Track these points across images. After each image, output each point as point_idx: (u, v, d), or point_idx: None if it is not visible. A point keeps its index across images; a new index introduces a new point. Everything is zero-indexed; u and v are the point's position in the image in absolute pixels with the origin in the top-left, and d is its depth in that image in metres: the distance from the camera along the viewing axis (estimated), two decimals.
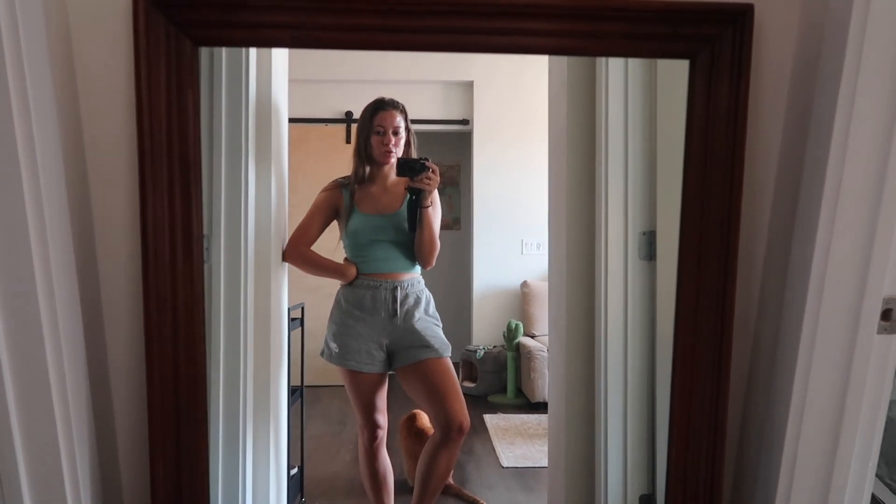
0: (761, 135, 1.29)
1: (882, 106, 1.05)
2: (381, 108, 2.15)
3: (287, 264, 2.27)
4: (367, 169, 2.17)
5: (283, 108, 2.28)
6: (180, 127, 1.17)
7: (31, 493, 1.10)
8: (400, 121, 2.14)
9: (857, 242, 1.10)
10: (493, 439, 3.93)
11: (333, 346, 2.18)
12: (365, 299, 2.14)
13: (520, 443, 3.89)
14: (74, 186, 1.21)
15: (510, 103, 5.30)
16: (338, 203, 2.21)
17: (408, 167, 2.06)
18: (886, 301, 1.13)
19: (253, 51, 1.87)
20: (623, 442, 1.80)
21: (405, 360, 2.14)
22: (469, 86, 5.40)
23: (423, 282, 2.23)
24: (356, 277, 2.16)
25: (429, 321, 2.18)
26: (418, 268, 2.21)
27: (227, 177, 1.88)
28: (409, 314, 2.15)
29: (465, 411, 2.15)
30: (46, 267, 1.06)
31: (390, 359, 2.18)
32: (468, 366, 5.08)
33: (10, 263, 1.02)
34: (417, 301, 2.17)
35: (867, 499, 1.23)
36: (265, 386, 2.13)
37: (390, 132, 2.12)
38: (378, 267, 2.15)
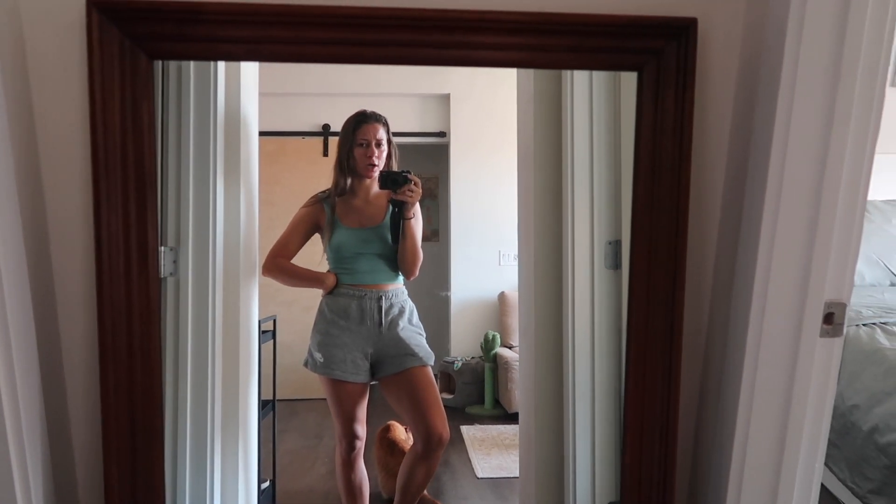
0: (709, 144, 1.32)
1: (818, 115, 1.09)
2: (363, 121, 2.16)
3: (258, 277, 2.27)
4: (349, 181, 2.18)
5: (252, 120, 2.29)
6: (135, 139, 1.17)
7: None
8: (383, 134, 2.16)
9: (797, 249, 1.14)
10: (469, 450, 3.93)
11: (318, 355, 2.19)
12: (350, 309, 2.15)
13: (496, 453, 3.89)
14: (29, 199, 1.21)
15: (486, 116, 5.34)
16: (318, 218, 2.23)
17: (390, 180, 2.09)
18: (828, 305, 1.16)
19: (221, 63, 1.88)
20: (591, 450, 1.82)
21: (389, 369, 2.16)
22: (446, 98, 5.43)
23: (406, 292, 2.25)
24: (340, 287, 2.17)
25: (413, 330, 2.20)
26: (401, 278, 2.22)
27: (195, 189, 1.88)
28: (394, 323, 2.16)
29: (446, 423, 2.18)
30: None
31: (374, 368, 2.19)
32: (446, 377, 5.08)
33: None
34: (402, 311, 2.19)
35: (815, 497, 1.25)
36: (234, 398, 2.12)
37: (373, 145, 2.13)
38: (363, 278, 2.16)
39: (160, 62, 1.32)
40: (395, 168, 2.21)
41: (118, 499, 1.20)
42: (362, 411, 2.23)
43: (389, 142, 2.19)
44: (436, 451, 2.17)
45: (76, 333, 1.28)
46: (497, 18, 1.16)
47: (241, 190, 2.11)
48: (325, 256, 2.27)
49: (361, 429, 2.24)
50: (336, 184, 2.20)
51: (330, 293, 2.21)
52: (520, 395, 2.18)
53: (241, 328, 2.15)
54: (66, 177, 1.24)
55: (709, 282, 1.38)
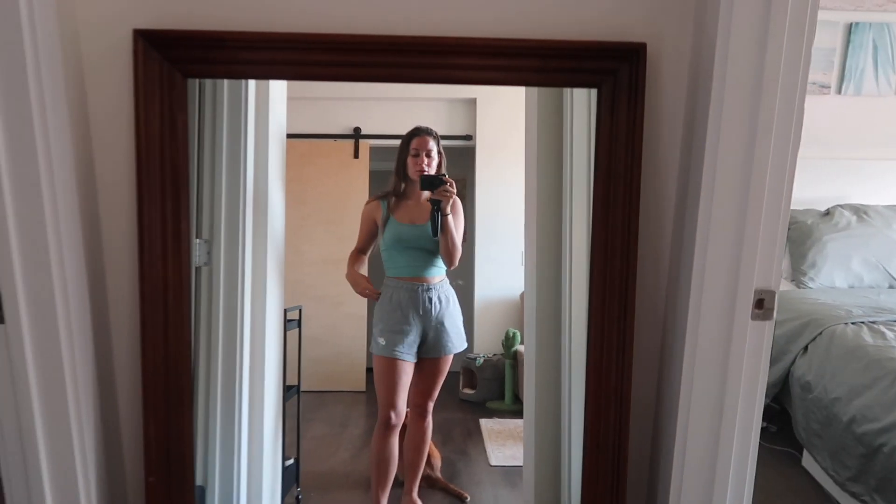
0: (662, 151, 1.51)
1: (743, 125, 1.26)
2: (416, 134, 2.54)
3: (284, 269, 2.55)
4: (404, 185, 2.55)
5: (281, 123, 2.52)
6: (171, 145, 1.41)
7: (46, 448, 1.34)
8: (432, 144, 2.53)
9: (729, 244, 1.31)
10: (485, 441, 4.08)
11: (381, 339, 2.53)
12: (403, 300, 2.51)
13: (510, 444, 4.03)
14: (85, 192, 1.46)
15: (511, 120, 5.46)
16: (375, 214, 2.60)
17: (428, 182, 2.43)
18: (758, 292, 1.34)
19: None
20: (583, 437, 1.97)
21: (430, 352, 2.56)
22: (472, 103, 5.57)
23: (448, 282, 2.62)
24: (395, 280, 2.54)
25: (455, 317, 2.60)
26: (444, 271, 2.59)
27: (227, 187, 2.11)
28: (440, 312, 2.53)
29: (433, 402, 2.69)
30: (60, 261, 1.31)
31: (419, 350, 2.56)
32: (468, 373, 5.22)
33: (31, 257, 1.27)
34: (447, 300, 2.57)
35: (752, 462, 1.42)
36: (260, 380, 2.34)
37: (423, 154, 2.50)
38: (413, 272, 2.52)
39: (194, 80, 1.56)
40: (444, 173, 2.56)
41: (155, 446, 1.44)
42: (405, 390, 2.56)
43: (439, 152, 2.56)
44: (424, 416, 2.66)
45: (122, 306, 1.55)
46: (473, 44, 1.37)
47: (270, 188, 2.34)
48: (381, 249, 2.61)
49: (402, 405, 2.55)
50: (394, 187, 2.57)
51: (386, 287, 2.57)
52: (524, 389, 2.36)
53: (269, 315, 2.37)
54: (115, 174, 1.50)
55: (665, 272, 1.57)
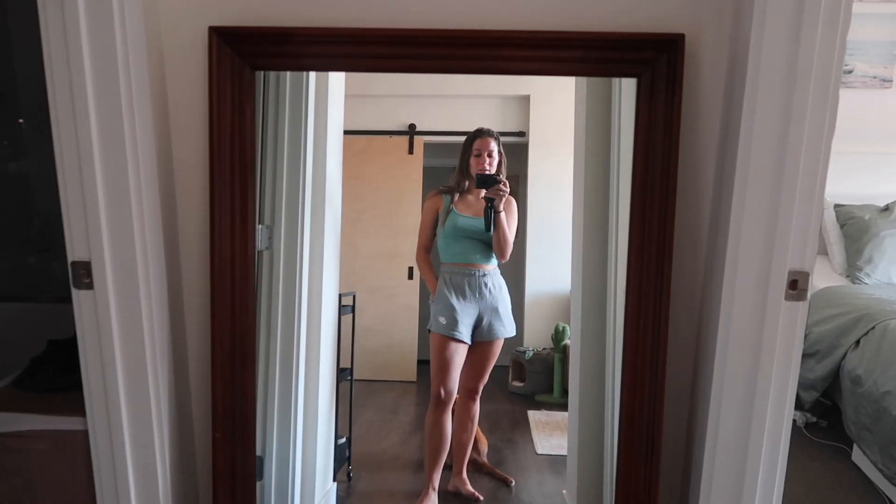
0: (700, 139, 1.56)
1: (776, 113, 1.31)
2: (479, 135, 2.73)
3: (339, 256, 2.71)
4: (467, 183, 2.74)
5: (337, 119, 2.65)
6: (240, 133, 1.55)
7: (126, 402, 1.50)
8: (493, 145, 2.71)
9: (763, 224, 1.36)
10: (532, 431, 4.13)
11: (442, 319, 2.71)
12: (462, 284, 2.69)
13: (557, 435, 4.07)
14: (163, 175, 1.62)
15: (564, 117, 5.44)
16: (438, 205, 2.79)
17: (483, 180, 2.61)
18: (792, 273, 1.38)
19: (312, 73, 2.24)
20: (619, 414, 2.02)
21: (483, 336, 2.74)
22: (526, 100, 5.60)
23: (499, 272, 2.79)
24: (453, 266, 2.73)
25: (507, 303, 2.78)
26: (496, 262, 2.76)
27: (287, 177, 2.25)
28: (494, 297, 2.72)
29: (482, 385, 2.84)
30: (143, 236, 1.46)
31: (475, 332, 2.73)
32: (518, 366, 5.27)
33: (118, 232, 1.43)
34: (500, 287, 2.75)
35: (784, 443, 1.46)
36: (316, 360, 2.47)
37: (485, 154, 2.69)
38: (471, 259, 2.71)
39: (261, 73, 1.70)
40: (504, 172, 2.74)
41: (221, 405, 1.58)
42: (458, 368, 2.72)
43: (500, 152, 2.73)
44: (474, 396, 2.82)
45: (195, 276, 1.71)
46: (519, 36, 1.46)
47: (328, 178, 2.48)
48: (439, 237, 2.78)
49: (453, 384, 2.70)
50: (458, 183, 2.76)
51: (444, 272, 2.75)
52: (570, 382, 2.43)
53: (325, 299, 2.50)
54: (190, 158, 1.66)
55: (702, 255, 1.62)
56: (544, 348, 5.31)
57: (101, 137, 1.38)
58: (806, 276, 1.38)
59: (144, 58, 1.44)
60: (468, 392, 2.85)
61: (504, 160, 2.76)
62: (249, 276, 1.57)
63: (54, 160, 1.39)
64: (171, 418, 1.59)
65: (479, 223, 2.65)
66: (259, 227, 2.12)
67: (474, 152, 2.69)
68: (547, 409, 4.68)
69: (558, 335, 5.10)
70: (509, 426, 4.30)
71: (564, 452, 3.67)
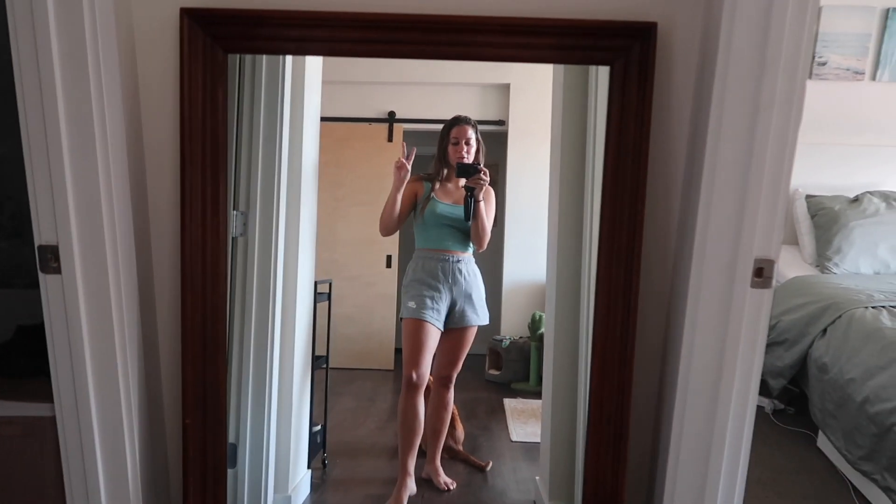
0: (671, 127, 1.58)
1: (746, 102, 1.33)
2: (456, 123, 2.70)
3: (316, 243, 2.69)
4: (445, 171, 2.72)
5: (315, 104, 2.63)
6: (212, 116, 1.54)
7: (95, 388, 1.49)
8: (471, 133, 2.70)
9: (730, 214, 1.38)
10: (508, 418, 4.16)
11: (411, 304, 2.69)
12: (435, 269, 2.67)
13: (533, 423, 4.10)
14: (133, 156, 1.60)
15: (543, 106, 5.44)
16: (418, 191, 2.75)
17: (464, 169, 2.60)
18: (758, 261, 1.40)
19: (288, 57, 2.22)
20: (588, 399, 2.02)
21: (456, 322, 2.72)
22: (506, 88, 5.60)
23: (474, 260, 2.78)
24: (427, 251, 2.70)
25: (481, 291, 2.77)
26: (472, 249, 2.74)
27: (263, 163, 2.23)
28: (468, 284, 2.70)
29: (456, 373, 2.83)
30: (112, 218, 1.45)
31: (447, 319, 2.71)
32: (494, 355, 5.29)
33: (86, 214, 1.41)
34: (474, 275, 2.74)
35: (749, 422, 1.49)
36: (290, 347, 2.47)
37: (463, 142, 2.67)
38: (447, 245, 2.68)
39: (235, 56, 1.68)
40: (482, 160, 2.73)
41: (191, 390, 1.57)
42: (430, 354, 2.70)
43: (478, 140, 2.72)
44: (448, 384, 2.81)
45: (165, 260, 1.69)
46: (493, 22, 1.46)
47: (303, 163, 2.46)
48: (416, 224, 2.75)
49: (425, 369, 2.68)
50: (437, 171, 2.74)
51: (417, 258, 2.72)
52: (543, 371, 2.45)
53: (300, 285, 2.49)
54: (161, 141, 1.65)
55: (672, 242, 1.64)
56: (521, 337, 5.34)
57: (68, 119, 1.36)
58: (771, 263, 1.41)
59: (114, 39, 1.42)
60: (441, 380, 2.84)
61: (483, 148, 2.75)
62: (221, 262, 1.56)
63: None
64: (140, 404, 1.58)
65: (458, 211, 2.65)
66: (234, 213, 2.10)
67: (451, 140, 2.68)
68: (523, 398, 4.71)
69: (535, 324, 5.13)
70: (485, 414, 4.32)
71: (538, 440, 3.72)
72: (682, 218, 1.59)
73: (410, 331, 2.68)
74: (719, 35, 1.34)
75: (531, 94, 5.46)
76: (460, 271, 2.69)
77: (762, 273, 1.41)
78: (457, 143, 2.67)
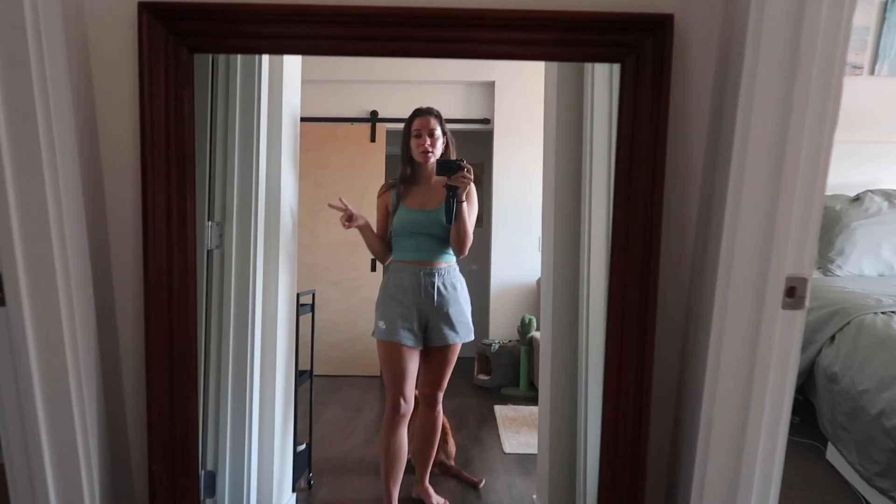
0: (688, 131, 1.43)
1: (777, 103, 1.19)
2: (418, 114, 2.45)
3: (297, 253, 2.52)
4: (410, 170, 2.47)
5: (294, 106, 2.48)
6: (177, 123, 1.37)
7: (48, 435, 1.32)
8: (435, 125, 2.44)
9: (760, 228, 1.24)
10: (499, 428, 4.05)
11: (381, 324, 2.46)
12: (407, 284, 2.42)
13: (525, 432, 3.99)
14: (89, 171, 1.42)
15: (529, 104, 5.40)
16: (388, 202, 2.53)
17: (445, 167, 2.33)
18: (790, 280, 1.26)
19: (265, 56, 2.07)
20: (601, 430, 1.91)
21: (434, 341, 2.47)
22: (490, 86, 5.50)
23: (458, 269, 2.52)
24: (400, 263, 2.46)
25: (462, 305, 2.49)
26: (454, 258, 2.49)
27: (240, 169, 2.08)
28: (445, 299, 2.44)
29: (442, 393, 2.62)
30: (62, 243, 1.27)
31: (424, 337, 2.48)
32: (483, 359, 5.19)
33: (33, 238, 1.24)
34: (454, 287, 2.46)
35: (780, 462, 1.35)
36: (272, 364, 2.32)
37: (426, 135, 2.41)
38: (420, 256, 2.42)
39: (208, 55, 1.52)
40: (452, 156, 2.47)
41: (158, 433, 1.40)
42: (412, 377, 2.49)
43: (444, 133, 2.46)
44: (434, 405, 2.62)
45: (127, 289, 1.51)
46: (489, 15, 1.30)
47: (283, 170, 2.31)
48: (390, 236, 2.53)
49: (410, 394, 2.48)
50: (401, 172, 2.50)
51: (391, 270, 2.49)
52: (540, 376, 2.30)
53: (281, 299, 2.35)
54: (120, 154, 1.46)
55: (688, 257, 1.50)
56: (510, 340, 5.24)
57: (9, 130, 1.18)
58: (805, 282, 1.27)
59: (62, 38, 1.25)
60: (427, 398, 2.64)
61: (451, 142, 2.49)
62: (189, 287, 1.39)
63: None
64: (101, 450, 1.41)
65: (430, 216, 2.40)
66: (209, 224, 1.96)
67: (413, 133, 2.43)
68: (513, 404, 4.61)
69: (525, 327, 5.03)
70: (475, 422, 4.20)
71: (533, 451, 3.59)
72: (700, 232, 1.44)
73: (386, 356, 2.47)
74: (745, 29, 1.20)
75: (517, 92, 5.36)
76: (434, 285, 2.42)
77: (794, 293, 1.27)
78: (419, 136, 2.42)
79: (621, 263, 1.37)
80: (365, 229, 2.53)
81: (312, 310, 3.31)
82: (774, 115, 1.19)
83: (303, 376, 3.08)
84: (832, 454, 2.72)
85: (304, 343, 2.82)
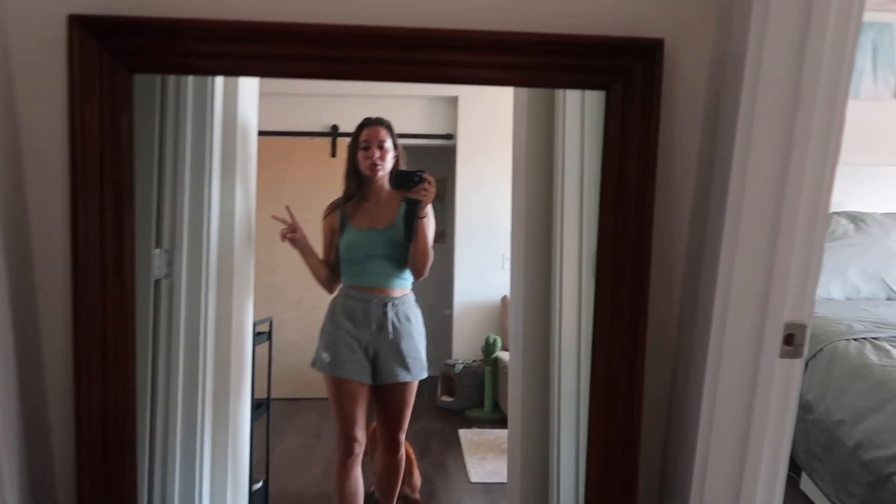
0: (676, 163, 1.34)
1: (777, 136, 1.10)
2: (366, 125, 2.23)
3: (254, 278, 2.32)
4: (357, 185, 2.25)
5: (251, 122, 2.32)
6: (114, 151, 1.21)
7: None
8: (385, 135, 2.21)
9: (758, 271, 1.15)
10: (465, 454, 3.94)
11: (325, 355, 2.24)
12: (356, 312, 2.20)
13: (491, 458, 3.89)
14: (12, 208, 1.25)
15: (493, 119, 5.32)
16: (334, 223, 2.30)
17: (404, 179, 2.12)
18: (788, 326, 1.17)
19: None
20: (576, 457, 1.83)
21: (384, 378, 2.23)
22: (454, 101, 5.45)
23: (413, 298, 2.30)
24: (349, 289, 2.24)
25: (416, 340, 2.27)
26: (410, 284, 2.27)
27: (190, 191, 1.93)
28: (398, 332, 2.21)
29: (405, 430, 2.37)
30: None
31: (373, 372, 2.25)
32: (447, 380, 5.09)
33: None
34: (408, 319, 2.24)
35: None
36: (225, 399, 2.16)
37: (375, 146, 2.19)
38: (371, 281, 2.21)
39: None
40: (403, 167, 2.26)
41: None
42: (363, 414, 2.28)
43: (396, 145, 2.25)
44: (396, 451, 2.38)
45: (57, 343, 1.32)
46: (466, 38, 1.18)
47: (238, 192, 2.16)
48: (335, 261, 2.32)
49: (361, 432, 2.28)
50: (346, 187, 2.28)
51: (339, 295, 2.28)
52: (509, 400, 2.19)
53: (235, 329, 2.19)
54: (49, 187, 1.28)
55: (677, 301, 1.40)
56: (474, 360, 5.14)
57: None
58: (804, 329, 1.18)
59: None
60: (386, 444, 2.38)
61: (402, 156, 2.27)
62: (128, 340, 1.23)
63: None
64: None
65: (380, 236, 2.19)
66: (156, 251, 1.80)
67: (362, 145, 2.20)
68: (478, 427, 4.53)
69: (489, 347, 4.95)
70: (440, 448, 4.09)
71: (500, 479, 3.49)
72: (690, 272, 1.35)
73: (334, 392, 2.25)
74: (742, 56, 1.11)
75: (481, 108, 5.29)
76: (386, 315, 2.19)
77: (792, 340, 1.18)
78: (367, 148, 2.18)
79: (608, 310, 1.27)
80: (305, 249, 2.30)
81: (270, 338, 3.16)
82: (775, 151, 1.10)
83: (259, 409, 2.92)
84: (806, 484, 2.67)
85: (261, 370, 2.64)
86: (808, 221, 1.13)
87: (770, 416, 1.20)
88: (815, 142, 1.10)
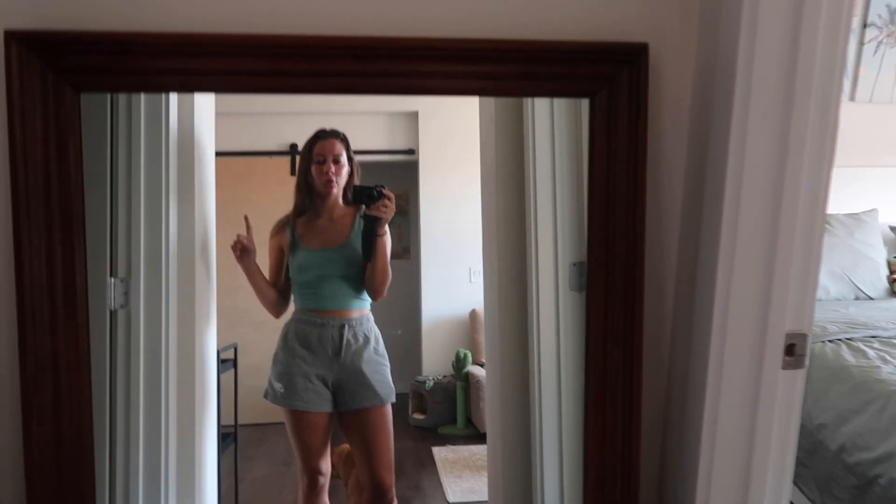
0: (664, 169, 1.29)
1: (772, 140, 1.06)
2: (320, 137, 2.10)
3: (215, 304, 2.19)
4: (309, 201, 2.12)
5: (208, 143, 2.22)
6: (60, 177, 1.10)
7: None
8: (341, 149, 2.09)
9: (756, 280, 1.10)
10: (440, 473, 3.88)
11: (278, 385, 2.11)
12: (311, 337, 2.07)
13: (468, 476, 3.84)
14: None
15: (455, 133, 5.32)
16: (283, 243, 2.16)
17: (363, 194, 2.02)
18: (789, 336, 1.13)
19: None
20: (559, 473, 1.78)
21: (348, 404, 2.10)
22: (414, 116, 5.42)
23: (372, 319, 2.17)
24: (301, 313, 2.11)
25: (377, 362, 2.13)
26: (367, 304, 2.15)
27: (146, 217, 1.82)
28: (357, 354, 2.09)
29: (392, 471, 2.15)
30: None
31: (335, 399, 2.11)
32: (418, 397, 5.02)
33: None
34: (366, 340, 2.12)
35: None
36: (190, 431, 2.04)
37: (330, 161, 2.06)
38: (325, 304, 2.09)
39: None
40: (357, 181, 2.15)
41: None
42: (326, 446, 2.15)
43: (351, 159, 2.13)
44: (385, 495, 2.15)
45: (3, 389, 1.20)
46: (444, 46, 1.11)
47: (196, 216, 2.05)
48: (284, 283, 2.20)
49: (325, 465, 2.15)
50: (296, 204, 2.14)
51: (291, 320, 2.15)
52: (487, 416, 2.12)
53: (198, 359, 2.08)
54: None
55: (669, 313, 1.35)
56: (445, 376, 5.08)
57: None
58: (804, 338, 1.14)
59: None
60: (376, 491, 2.14)
61: (357, 170, 2.15)
62: (83, 384, 1.12)
63: None
64: None
65: (334, 255, 2.08)
66: (111, 281, 1.69)
67: (315, 158, 2.07)
68: (452, 444, 4.48)
69: (459, 362, 4.90)
70: (414, 468, 4.02)
71: (478, 498, 3.43)
72: (681, 284, 1.30)
73: (292, 425, 2.12)
74: (732, 60, 1.06)
75: (442, 121, 5.27)
76: (343, 337, 2.06)
77: (794, 350, 1.14)
78: (322, 162, 2.05)
79: (600, 326, 1.21)
80: (252, 269, 2.17)
81: (235, 365, 3.03)
82: (770, 156, 1.06)
83: (227, 440, 2.80)
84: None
85: (227, 397, 2.51)
86: (806, 226, 1.10)
87: (774, 431, 1.16)
88: (810, 147, 1.06)
